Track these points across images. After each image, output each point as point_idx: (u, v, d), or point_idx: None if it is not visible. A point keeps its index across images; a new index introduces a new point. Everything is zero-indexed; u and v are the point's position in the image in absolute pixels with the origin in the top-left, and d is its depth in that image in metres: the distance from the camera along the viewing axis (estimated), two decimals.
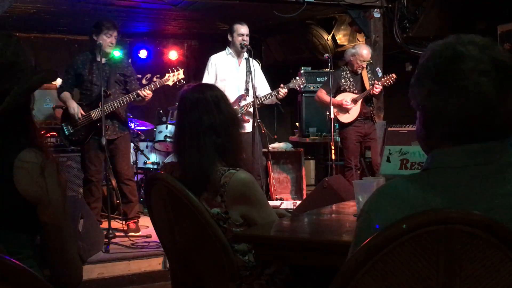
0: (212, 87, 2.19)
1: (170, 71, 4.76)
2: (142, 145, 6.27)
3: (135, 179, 6.20)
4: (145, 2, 6.00)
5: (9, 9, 5.12)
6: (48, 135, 5.85)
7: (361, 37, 6.85)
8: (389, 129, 5.88)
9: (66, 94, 4.59)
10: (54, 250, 1.55)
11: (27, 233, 1.54)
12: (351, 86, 5.55)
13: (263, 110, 5.66)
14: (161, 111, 6.54)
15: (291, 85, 5.00)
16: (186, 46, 8.76)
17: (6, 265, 1.01)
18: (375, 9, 6.04)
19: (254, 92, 4.68)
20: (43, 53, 7.35)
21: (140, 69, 8.06)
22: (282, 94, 4.88)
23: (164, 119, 6.42)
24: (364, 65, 5.51)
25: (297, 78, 5.24)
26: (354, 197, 2.12)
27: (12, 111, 1.48)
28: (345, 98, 5.49)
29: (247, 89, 4.89)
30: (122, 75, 4.68)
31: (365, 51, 5.47)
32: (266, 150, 5.60)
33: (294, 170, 6.63)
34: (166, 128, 5.95)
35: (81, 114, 4.48)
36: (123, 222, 4.77)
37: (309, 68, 7.06)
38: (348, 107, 5.46)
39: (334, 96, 5.46)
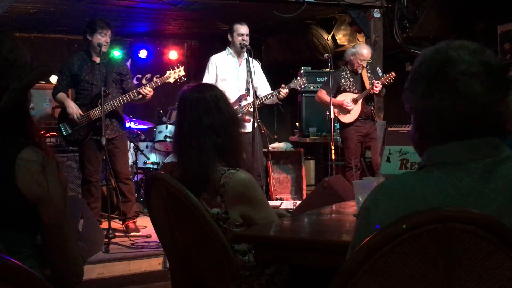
0: (212, 87, 2.19)
1: (171, 69, 4.77)
2: (142, 145, 6.27)
3: (135, 179, 6.20)
4: (145, 2, 6.00)
5: (9, 9, 5.12)
6: (48, 135, 5.85)
7: (361, 37, 6.86)
8: (389, 129, 5.86)
9: (62, 95, 4.58)
10: (55, 248, 1.55)
11: (27, 233, 1.54)
12: (351, 86, 5.56)
13: (263, 110, 5.67)
14: (161, 111, 6.54)
15: (292, 85, 5.00)
16: (186, 46, 8.76)
17: (6, 265, 1.01)
18: (375, 9, 6.04)
19: (254, 92, 4.68)
20: (43, 53, 7.36)
21: (140, 69, 8.06)
22: (283, 94, 4.89)
23: (164, 119, 6.42)
24: (364, 65, 5.52)
25: (298, 78, 5.25)
26: (354, 197, 2.13)
27: (11, 109, 1.48)
28: (346, 98, 5.49)
29: (247, 89, 4.90)
30: (118, 74, 4.68)
31: (365, 51, 5.48)
32: (266, 150, 5.60)
33: (294, 170, 6.62)
34: (166, 128, 5.94)
35: (80, 114, 4.47)
36: (122, 223, 4.77)
37: (309, 68, 7.06)
38: (349, 108, 5.47)
39: (335, 97, 5.46)
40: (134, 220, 4.81)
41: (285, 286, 2.06)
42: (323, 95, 5.53)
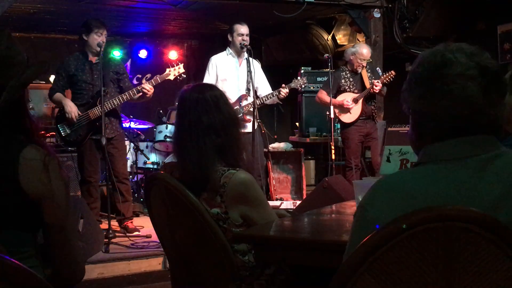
0: (212, 87, 2.19)
1: (171, 66, 4.78)
2: (142, 145, 6.27)
3: (135, 179, 6.21)
4: (145, 2, 6.00)
5: (9, 9, 5.12)
6: (48, 135, 5.85)
7: (361, 37, 6.85)
8: (389, 129, 5.85)
9: (59, 95, 4.57)
10: (57, 246, 1.55)
11: (29, 232, 1.54)
12: (351, 86, 5.56)
13: (263, 110, 5.67)
14: (161, 111, 6.54)
15: (292, 85, 5.00)
16: (186, 46, 8.77)
17: (6, 265, 1.01)
18: (375, 9, 6.03)
19: (254, 92, 4.68)
20: (43, 53, 7.36)
21: (140, 69, 8.06)
22: (283, 94, 4.89)
23: (164, 119, 6.42)
24: (364, 64, 5.52)
25: (299, 78, 5.26)
26: (354, 197, 2.13)
27: (9, 107, 1.48)
28: (346, 98, 5.49)
29: (248, 89, 4.89)
30: (115, 73, 4.69)
31: (365, 50, 5.48)
32: (266, 150, 5.60)
33: (294, 170, 6.62)
34: (166, 128, 5.94)
35: (78, 113, 4.47)
36: (119, 224, 4.77)
37: (309, 68, 7.06)
38: (349, 106, 5.46)
39: (335, 97, 5.46)
40: (132, 220, 4.81)
41: (285, 286, 2.06)
42: (323, 95, 5.53)
